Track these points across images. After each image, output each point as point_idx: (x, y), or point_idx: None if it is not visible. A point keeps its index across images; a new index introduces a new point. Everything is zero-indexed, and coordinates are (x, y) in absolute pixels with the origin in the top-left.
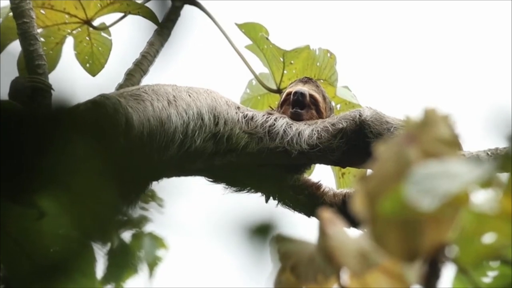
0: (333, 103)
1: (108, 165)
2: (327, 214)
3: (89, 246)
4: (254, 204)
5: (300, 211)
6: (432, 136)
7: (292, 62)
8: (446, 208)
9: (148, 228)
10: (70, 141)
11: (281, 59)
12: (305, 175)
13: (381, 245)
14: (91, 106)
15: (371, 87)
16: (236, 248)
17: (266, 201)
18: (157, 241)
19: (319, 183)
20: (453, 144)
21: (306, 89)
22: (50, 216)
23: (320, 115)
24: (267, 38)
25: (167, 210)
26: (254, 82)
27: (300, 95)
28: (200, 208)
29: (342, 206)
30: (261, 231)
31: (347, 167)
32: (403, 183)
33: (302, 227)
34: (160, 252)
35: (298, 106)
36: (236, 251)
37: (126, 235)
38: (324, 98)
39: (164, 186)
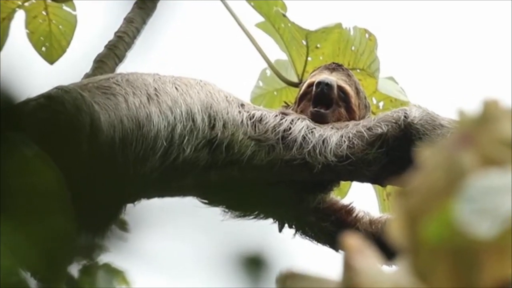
0: (374, 100)
1: (67, 181)
2: (354, 241)
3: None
4: (246, 230)
5: (324, 242)
6: (493, 137)
7: (318, 45)
8: (510, 234)
9: (104, 258)
10: (13, 149)
11: (304, 42)
12: (333, 196)
13: (425, 281)
14: (45, 103)
15: (420, 80)
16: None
17: (280, 230)
18: (116, 275)
19: (351, 206)
20: None
21: (333, 78)
22: None
23: (351, 115)
24: (284, 15)
25: (132, 236)
26: (268, 72)
27: (325, 86)
28: (180, 236)
29: (381, 237)
30: (254, 264)
31: (389, 185)
32: (454, 200)
33: (313, 259)
34: None
35: (322, 102)
36: None
37: (75, 269)
38: (357, 91)
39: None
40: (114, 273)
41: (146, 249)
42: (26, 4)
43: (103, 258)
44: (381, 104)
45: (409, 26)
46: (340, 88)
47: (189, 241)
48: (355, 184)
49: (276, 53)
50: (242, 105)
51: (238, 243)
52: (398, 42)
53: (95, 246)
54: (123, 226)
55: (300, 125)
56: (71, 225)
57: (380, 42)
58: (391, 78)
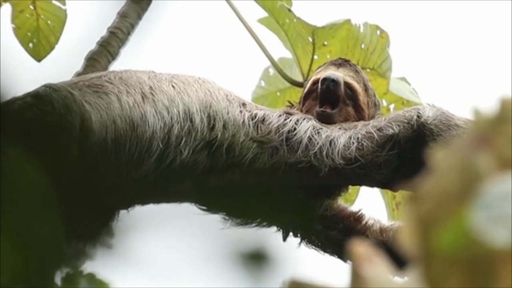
0: (384, 102)
1: (55, 185)
2: (363, 248)
3: None
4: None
5: (332, 252)
6: (511, 138)
7: (325, 43)
8: None
9: (90, 267)
10: None
11: (310, 39)
12: (341, 202)
13: None
14: (32, 102)
15: (435, 80)
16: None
17: (284, 239)
18: (99, 286)
19: (360, 213)
20: None
21: (340, 74)
22: None
23: (359, 114)
24: (289, 10)
25: (119, 242)
26: (271, 71)
27: (331, 83)
28: (175, 237)
29: (392, 246)
30: (255, 260)
31: (401, 191)
32: (469, 205)
33: (318, 267)
34: None
35: (329, 100)
36: None
37: (58, 276)
38: (366, 88)
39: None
40: (98, 283)
41: (139, 253)
42: None
43: (88, 267)
44: (392, 106)
45: (423, 23)
46: (347, 84)
47: (185, 242)
48: (362, 193)
49: (280, 51)
50: (244, 104)
51: (237, 242)
52: (411, 40)
53: (82, 254)
54: (109, 233)
55: (306, 126)
56: (58, 232)
57: (392, 40)
58: (403, 79)
